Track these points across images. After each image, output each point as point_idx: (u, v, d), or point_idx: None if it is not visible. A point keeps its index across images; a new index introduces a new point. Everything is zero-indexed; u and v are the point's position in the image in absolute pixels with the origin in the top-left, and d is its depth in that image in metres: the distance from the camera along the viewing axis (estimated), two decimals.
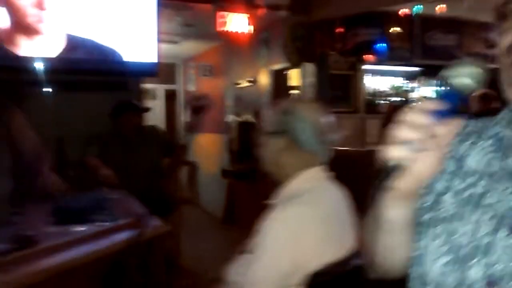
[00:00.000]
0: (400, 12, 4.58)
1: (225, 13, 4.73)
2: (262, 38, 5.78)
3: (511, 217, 0.74)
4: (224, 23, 4.80)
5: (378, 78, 6.26)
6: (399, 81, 6.14)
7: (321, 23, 5.00)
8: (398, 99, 6.12)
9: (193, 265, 4.40)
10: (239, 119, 6.59)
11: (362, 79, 6.07)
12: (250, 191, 5.59)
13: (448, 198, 0.83)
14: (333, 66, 5.58)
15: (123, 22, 3.86)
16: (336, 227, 1.62)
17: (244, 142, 6.41)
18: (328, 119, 1.69)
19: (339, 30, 4.88)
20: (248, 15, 4.80)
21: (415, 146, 0.72)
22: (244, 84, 6.46)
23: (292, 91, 5.31)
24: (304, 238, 1.51)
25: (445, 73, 0.74)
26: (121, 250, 2.19)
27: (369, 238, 0.92)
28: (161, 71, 5.62)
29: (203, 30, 5.45)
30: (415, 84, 6.11)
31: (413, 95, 6.07)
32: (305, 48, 5.01)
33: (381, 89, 6.37)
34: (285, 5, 4.83)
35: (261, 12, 4.78)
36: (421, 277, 0.85)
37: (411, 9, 4.35)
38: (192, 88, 8.42)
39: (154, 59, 4.08)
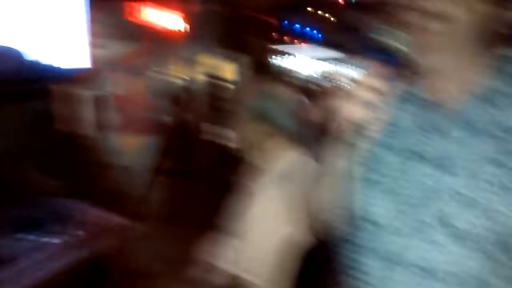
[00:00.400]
0: None
1: (155, 10, 4.67)
2: (195, 33, 5.75)
3: (448, 163, 0.84)
4: (155, 20, 4.74)
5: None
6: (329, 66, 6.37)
7: (250, 12, 5.06)
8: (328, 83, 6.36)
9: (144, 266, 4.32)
10: (172, 117, 6.54)
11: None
12: (187, 188, 5.59)
13: (388, 156, 0.93)
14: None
15: (50, 26, 3.69)
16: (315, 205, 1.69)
17: (179, 140, 6.38)
18: (303, 101, 1.76)
19: (269, 19, 4.96)
20: (179, 11, 4.77)
21: (372, 106, 0.85)
22: (178, 81, 6.40)
23: (228, 85, 5.35)
24: (288, 217, 1.57)
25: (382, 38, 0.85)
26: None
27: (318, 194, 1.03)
28: (88, 76, 5.45)
29: (133, 30, 5.34)
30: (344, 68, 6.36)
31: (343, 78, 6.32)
32: (234, 38, 5.05)
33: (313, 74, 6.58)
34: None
35: (193, 7, 4.76)
36: (369, 225, 0.93)
37: None
38: (122, 92, 8.19)
39: (85, 64, 3.95)
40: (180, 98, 6.44)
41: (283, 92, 1.75)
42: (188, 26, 5.19)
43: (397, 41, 0.85)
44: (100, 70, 8.06)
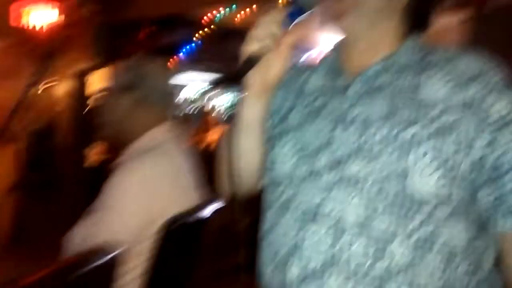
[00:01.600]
0: (205, 18, 4.86)
1: (23, 6, 4.33)
2: (64, 36, 5.44)
3: (343, 116, 0.93)
4: (21, 18, 4.39)
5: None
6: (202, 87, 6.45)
7: (128, 24, 5.00)
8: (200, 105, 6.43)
9: None
10: (33, 126, 6.09)
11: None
12: (44, 202, 5.31)
13: (293, 114, 1.01)
14: None
15: None
16: (185, 180, 1.68)
17: (38, 151, 5.97)
18: (172, 75, 1.76)
19: (146, 31, 4.94)
20: (49, 9, 4.48)
21: (265, 43, 0.90)
22: (41, 87, 5.98)
23: (97, 94, 5.13)
24: (160, 189, 1.54)
25: None
26: None
27: (224, 159, 1.02)
28: None
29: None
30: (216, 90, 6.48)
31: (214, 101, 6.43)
32: (110, 49, 4.94)
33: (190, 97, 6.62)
34: (89, 3, 4.67)
35: (65, 6, 4.51)
36: (273, 180, 0.98)
37: (214, 15, 4.67)
38: None
39: None
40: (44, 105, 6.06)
41: (156, 65, 1.73)
42: (58, 27, 4.91)
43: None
44: None
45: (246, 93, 0.97)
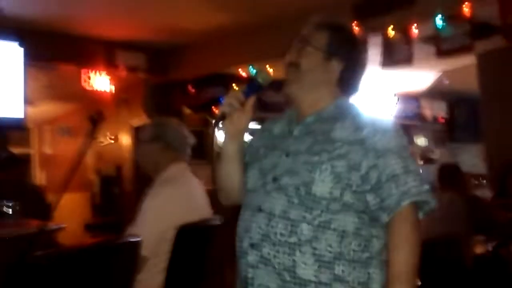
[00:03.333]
0: (240, 73, 5.56)
1: (88, 73, 5.21)
2: (123, 97, 6.32)
3: (286, 150, 1.40)
4: (88, 83, 5.26)
5: None
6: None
7: (176, 83, 5.75)
8: None
9: None
10: (101, 175, 6.89)
11: (213, 133, 6.91)
12: None
13: (261, 149, 1.50)
14: (188, 123, 6.32)
15: None
16: (196, 201, 2.31)
17: (107, 197, 6.72)
18: (185, 129, 2.40)
19: (191, 89, 5.67)
20: (109, 76, 5.34)
21: (233, 106, 1.41)
22: (106, 141, 6.84)
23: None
24: (175, 207, 2.16)
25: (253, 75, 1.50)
26: None
27: (216, 176, 1.55)
28: (14, 134, 5.75)
29: (64, 91, 5.79)
30: None
31: None
32: (162, 105, 5.68)
33: None
34: (143, 68, 5.50)
35: (122, 73, 5.36)
36: (247, 190, 1.47)
37: (248, 71, 5.33)
38: (48, 150, 8.46)
39: (20, 116, 4.35)
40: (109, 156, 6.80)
41: (173, 122, 2.40)
42: (117, 90, 5.74)
43: (260, 77, 1.46)
44: (32, 127, 8.41)
45: (225, 136, 1.48)
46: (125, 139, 6.46)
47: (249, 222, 1.38)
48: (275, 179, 1.37)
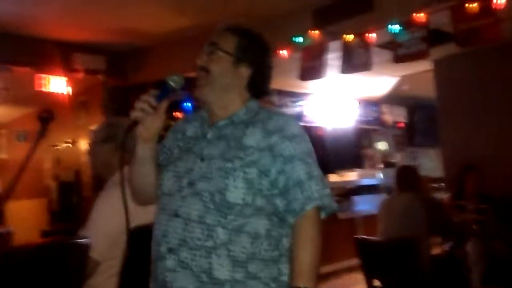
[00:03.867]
0: None
1: (44, 75, 5.07)
2: (81, 100, 6.19)
3: (201, 154, 1.43)
4: (43, 86, 5.12)
5: None
6: None
7: (136, 86, 5.67)
8: None
9: None
10: (59, 180, 6.72)
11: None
12: None
13: (176, 150, 1.52)
14: None
15: None
16: None
17: (65, 203, 6.56)
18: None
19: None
20: (66, 78, 5.22)
21: (145, 111, 1.40)
22: (63, 146, 6.67)
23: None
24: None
25: (166, 78, 1.47)
26: None
27: (131, 178, 1.55)
28: None
29: (19, 94, 5.63)
30: None
31: None
32: (122, 108, 5.58)
33: None
34: (102, 70, 5.39)
35: (80, 75, 5.25)
36: (161, 193, 1.48)
37: None
38: (4, 155, 8.19)
39: None
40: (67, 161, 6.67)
41: (126, 121, 2.34)
42: (74, 93, 5.61)
43: (172, 81, 1.45)
44: None
45: (138, 140, 1.46)
46: (84, 144, 6.31)
47: (166, 227, 1.41)
48: (190, 184, 1.41)
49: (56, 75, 5.13)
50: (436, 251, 4.57)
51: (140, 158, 1.51)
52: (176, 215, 1.40)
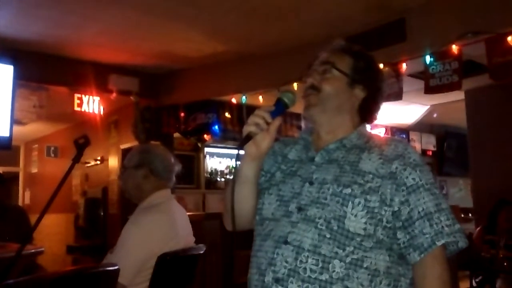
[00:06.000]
0: (231, 101, 5.59)
1: (79, 95, 5.21)
2: (112, 119, 6.32)
3: (309, 177, 1.33)
4: (77, 105, 5.26)
5: (217, 159, 7.21)
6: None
7: (167, 107, 5.76)
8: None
9: None
10: (87, 196, 6.83)
11: (203, 159, 6.94)
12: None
13: (278, 173, 1.43)
14: (178, 148, 6.33)
15: None
16: (178, 229, 2.26)
17: (91, 219, 6.64)
18: (172, 156, 2.38)
19: (182, 114, 5.67)
20: (99, 98, 5.34)
21: (259, 126, 1.29)
22: (92, 163, 6.79)
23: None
24: (156, 235, 2.12)
25: (278, 93, 1.41)
26: None
27: (228, 199, 1.37)
28: (2, 152, 5.70)
29: (53, 111, 5.76)
30: None
31: None
32: (152, 129, 5.67)
33: (220, 168, 7.28)
34: (135, 91, 5.51)
35: (113, 96, 5.36)
36: (261, 218, 1.37)
37: (239, 98, 5.37)
38: (34, 170, 8.38)
39: (6, 134, 4.32)
40: (95, 178, 6.76)
41: (159, 149, 2.39)
42: (107, 113, 5.72)
43: (287, 98, 1.35)
44: (15, 148, 8.35)
45: (245, 157, 1.35)
46: (113, 161, 6.42)
47: (273, 255, 1.28)
48: (300, 209, 1.29)
49: (90, 95, 5.25)
50: (464, 285, 4.46)
51: (244, 177, 1.38)
52: (286, 242, 1.27)
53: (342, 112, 1.42)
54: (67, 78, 5.01)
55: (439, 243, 1.25)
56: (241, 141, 1.32)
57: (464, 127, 6.11)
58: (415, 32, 4.00)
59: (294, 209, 1.30)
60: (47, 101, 5.18)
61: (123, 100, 5.64)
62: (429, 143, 8.56)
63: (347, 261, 1.21)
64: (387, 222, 1.26)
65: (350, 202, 1.25)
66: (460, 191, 8.97)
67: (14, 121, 4.47)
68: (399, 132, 8.04)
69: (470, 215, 6.52)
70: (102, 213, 6.42)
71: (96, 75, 5.11)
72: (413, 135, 8.27)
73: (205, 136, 5.86)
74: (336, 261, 1.21)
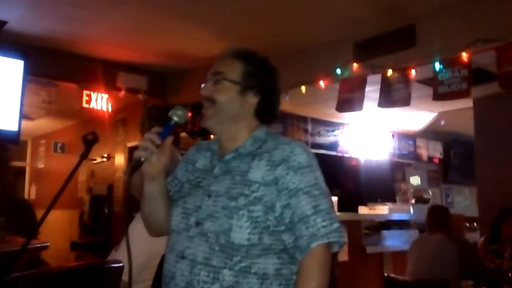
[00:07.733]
0: None
1: (87, 92, 5.24)
2: (120, 117, 6.34)
3: (208, 190, 1.39)
4: (86, 101, 5.29)
5: None
6: None
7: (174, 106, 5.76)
8: None
9: None
10: (92, 193, 6.85)
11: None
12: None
13: (186, 186, 1.49)
14: (184, 147, 6.34)
15: None
16: None
17: (96, 216, 6.66)
18: (179, 155, 2.39)
19: (189, 114, 5.68)
20: (107, 95, 5.37)
21: (148, 150, 1.35)
22: (99, 160, 6.82)
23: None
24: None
25: (169, 113, 1.42)
26: None
27: (142, 213, 1.53)
28: (10, 147, 5.72)
29: (62, 107, 5.80)
30: None
31: None
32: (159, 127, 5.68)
33: None
34: (143, 89, 5.53)
35: (121, 94, 5.39)
36: (169, 231, 1.46)
37: None
38: (41, 165, 8.42)
39: (14, 129, 4.33)
40: (101, 175, 6.78)
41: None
42: (114, 110, 5.75)
43: (175, 116, 1.41)
44: (23, 143, 8.39)
45: (145, 177, 1.42)
46: (119, 159, 6.44)
47: (173, 269, 1.38)
48: (197, 223, 1.37)
49: (98, 92, 5.28)
50: None
51: (148, 196, 1.47)
52: (183, 257, 1.36)
53: (237, 120, 1.46)
54: (76, 74, 5.04)
55: (313, 246, 1.32)
56: (131, 167, 1.37)
57: (471, 135, 6.07)
58: (425, 39, 4.00)
59: (193, 223, 1.38)
60: (56, 97, 5.22)
61: (131, 98, 5.66)
62: (436, 150, 8.52)
63: (236, 269, 1.30)
64: (274, 226, 1.34)
65: (235, 215, 1.32)
66: (466, 200, 8.92)
67: (22, 116, 4.50)
68: (406, 138, 8.01)
69: (475, 224, 6.48)
70: (106, 211, 6.44)
71: (105, 72, 5.15)
72: (420, 142, 8.24)
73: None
74: (225, 271, 1.30)
